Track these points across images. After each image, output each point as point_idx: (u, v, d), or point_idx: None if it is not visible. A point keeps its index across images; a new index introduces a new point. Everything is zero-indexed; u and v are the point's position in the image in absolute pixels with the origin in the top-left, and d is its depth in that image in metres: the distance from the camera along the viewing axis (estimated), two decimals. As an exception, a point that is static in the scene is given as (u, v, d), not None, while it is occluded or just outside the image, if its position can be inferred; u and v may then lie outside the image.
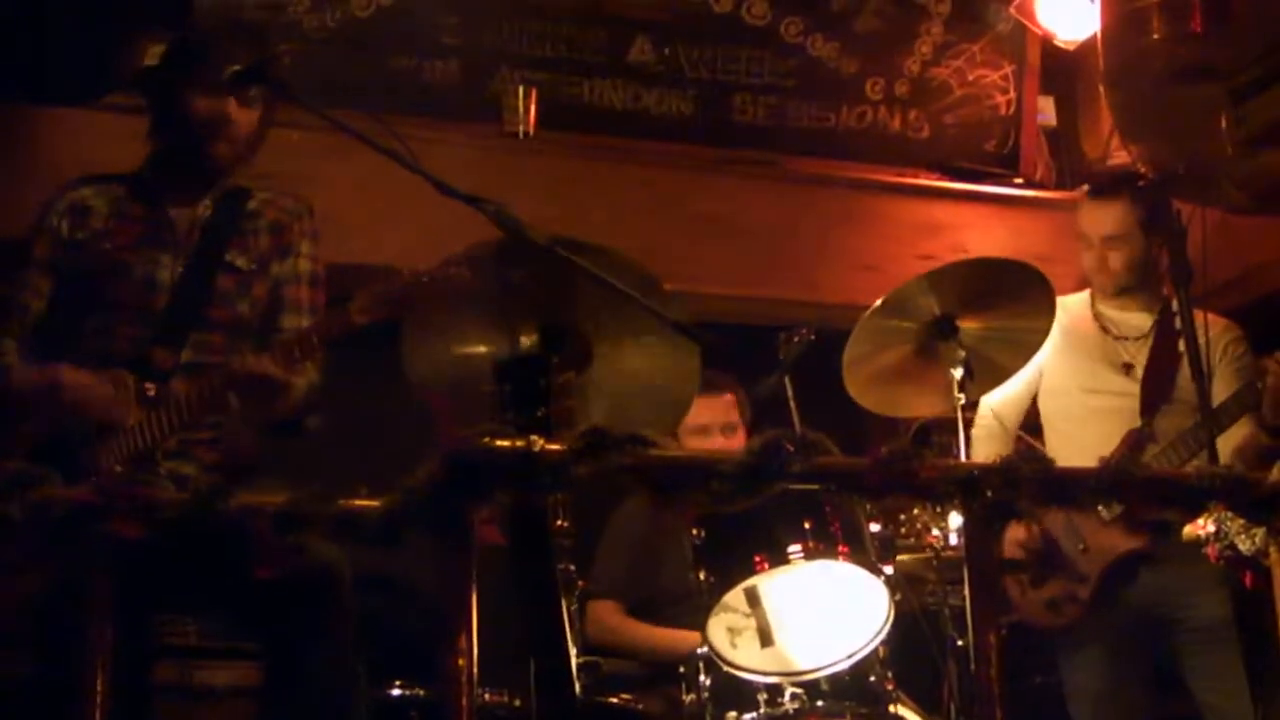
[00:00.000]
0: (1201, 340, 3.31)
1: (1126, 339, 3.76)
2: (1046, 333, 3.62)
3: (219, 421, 2.97)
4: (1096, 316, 3.80)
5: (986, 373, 3.59)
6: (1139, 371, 3.71)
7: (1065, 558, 3.60)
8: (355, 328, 2.86)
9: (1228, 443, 3.47)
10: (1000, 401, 3.83)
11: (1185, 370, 3.47)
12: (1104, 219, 3.75)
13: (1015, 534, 3.62)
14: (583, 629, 3.95)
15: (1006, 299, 3.55)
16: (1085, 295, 3.86)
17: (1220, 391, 3.59)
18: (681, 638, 3.58)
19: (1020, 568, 3.62)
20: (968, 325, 3.50)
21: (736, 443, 4.06)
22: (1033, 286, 3.55)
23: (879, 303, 3.50)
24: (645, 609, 4.02)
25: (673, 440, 3.79)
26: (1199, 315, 3.38)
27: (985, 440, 3.79)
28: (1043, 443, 3.86)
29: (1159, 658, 3.60)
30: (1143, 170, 4.25)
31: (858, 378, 3.59)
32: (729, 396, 4.07)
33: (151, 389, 2.88)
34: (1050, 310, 3.58)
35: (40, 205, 3.08)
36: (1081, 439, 3.68)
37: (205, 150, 3.02)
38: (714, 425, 4.01)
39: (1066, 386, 3.78)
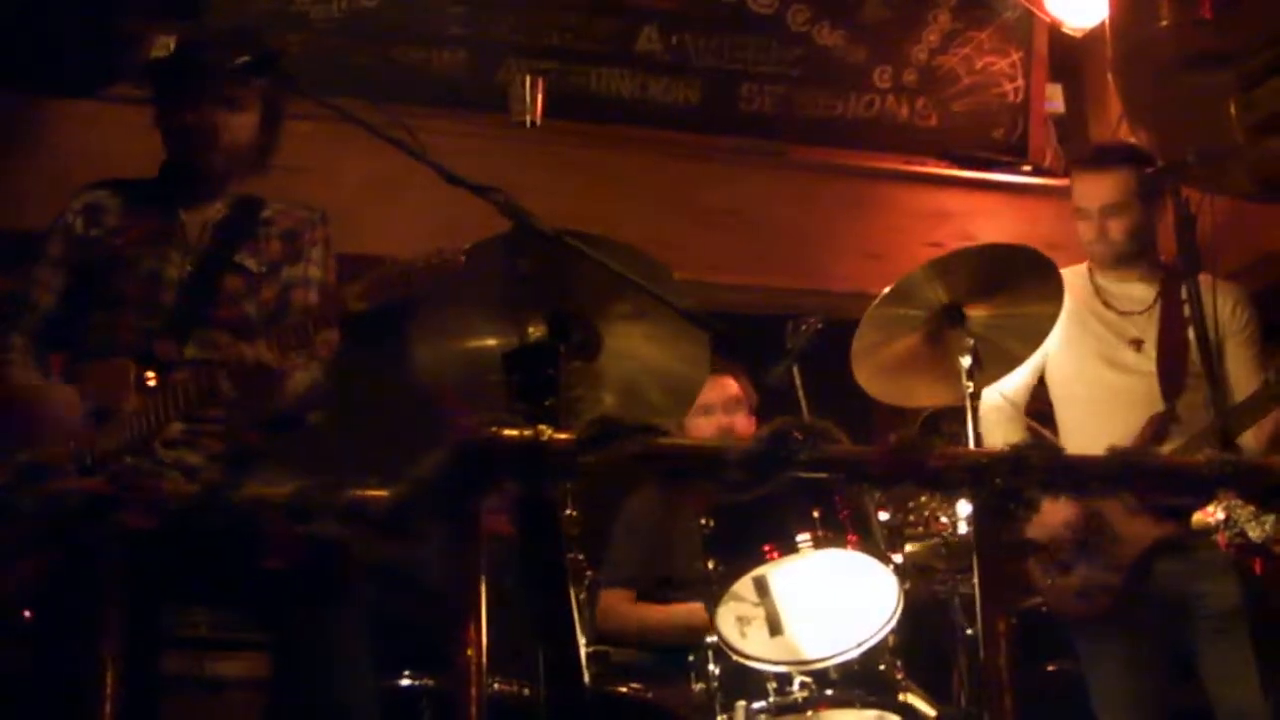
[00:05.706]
0: (1209, 310, 3.27)
1: (1130, 313, 3.71)
2: (1055, 319, 3.57)
3: (221, 411, 2.97)
4: (1097, 291, 3.75)
5: (995, 360, 3.56)
6: (1149, 348, 3.65)
7: (1100, 545, 3.55)
8: (350, 314, 2.87)
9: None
10: (1010, 388, 3.79)
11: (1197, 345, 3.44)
12: (1102, 188, 3.71)
13: (1061, 515, 3.53)
14: (593, 618, 3.97)
15: (1014, 286, 3.51)
16: (1083, 268, 3.79)
17: (1230, 360, 3.56)
18: (692, 611, 3.59)
19: (1045, 550, 3.58)
20: (975, 313, 3.47)
21: (740, 420, 4.13)
22: (1040, 272, 3.50)
23: (886, 291, 3.47)
24: (657, 595, 4.02)
25: (682, 426, 3.82)
26: (1205, 280, 3.35)
27: (997, 421, 3.73)
28: (1053, 430, 3.82)
29: (1177, 645, 3.56)
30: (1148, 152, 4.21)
31: (866, 366, 3.57)
32: (728, 379, 4.15)
33: (152, 378, 2.89)
34: (1058, 296, 3.53)
35: (59, 207, 3.09)
36: (1094, 421, 3.64)
37: (201, 161, 3.05)
38: (716, 404, 4.10)
39: (1075, 365, 3.73)
